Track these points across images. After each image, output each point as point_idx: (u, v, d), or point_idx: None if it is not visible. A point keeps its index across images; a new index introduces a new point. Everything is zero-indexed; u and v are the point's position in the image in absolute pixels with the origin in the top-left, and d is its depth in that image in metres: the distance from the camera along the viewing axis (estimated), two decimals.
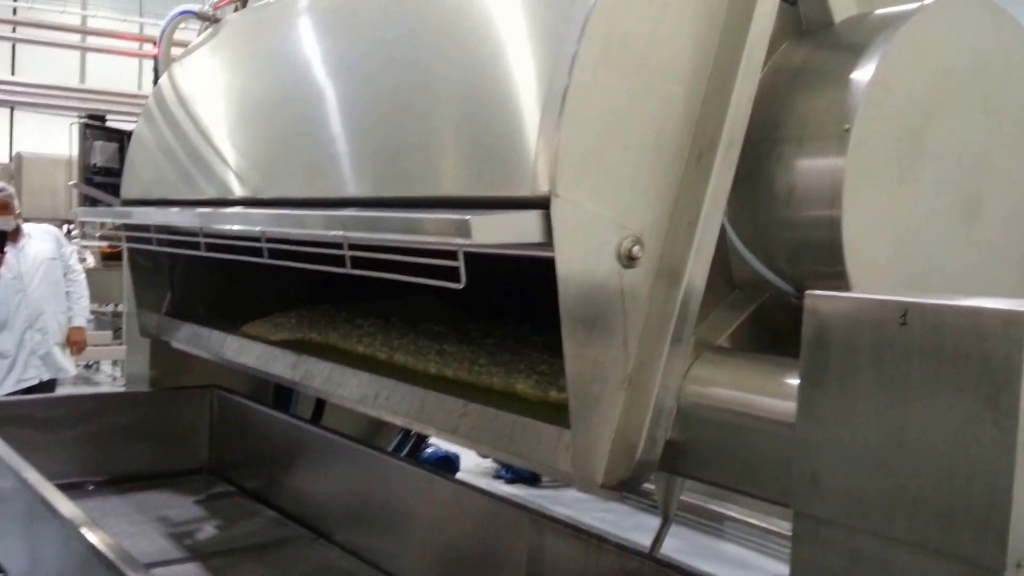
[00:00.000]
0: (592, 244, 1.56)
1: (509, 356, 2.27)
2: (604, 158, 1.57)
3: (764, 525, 5.39)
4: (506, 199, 1.60)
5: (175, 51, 3.86)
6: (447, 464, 5.80)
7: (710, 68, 1.66)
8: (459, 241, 1.48)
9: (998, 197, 1.85)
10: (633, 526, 2.10)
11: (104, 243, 7.89)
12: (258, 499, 3.77)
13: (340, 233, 1.76)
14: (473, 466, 5.71)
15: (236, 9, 3.90)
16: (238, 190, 2.58)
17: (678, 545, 1.93)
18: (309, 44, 2.67)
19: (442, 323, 2.73)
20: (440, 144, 1.81)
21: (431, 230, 1.54)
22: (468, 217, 1.44)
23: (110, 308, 10.58)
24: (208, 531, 3.41)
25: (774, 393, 1.56)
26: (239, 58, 3.15)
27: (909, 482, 1.28)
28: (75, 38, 13.58)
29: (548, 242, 1.51)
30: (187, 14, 3.77)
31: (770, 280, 1.76)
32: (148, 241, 2.89)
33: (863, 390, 1.32)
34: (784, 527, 5.39)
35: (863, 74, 1.66)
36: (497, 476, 6.75)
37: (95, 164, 4.17)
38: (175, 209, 2.69)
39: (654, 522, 3.22)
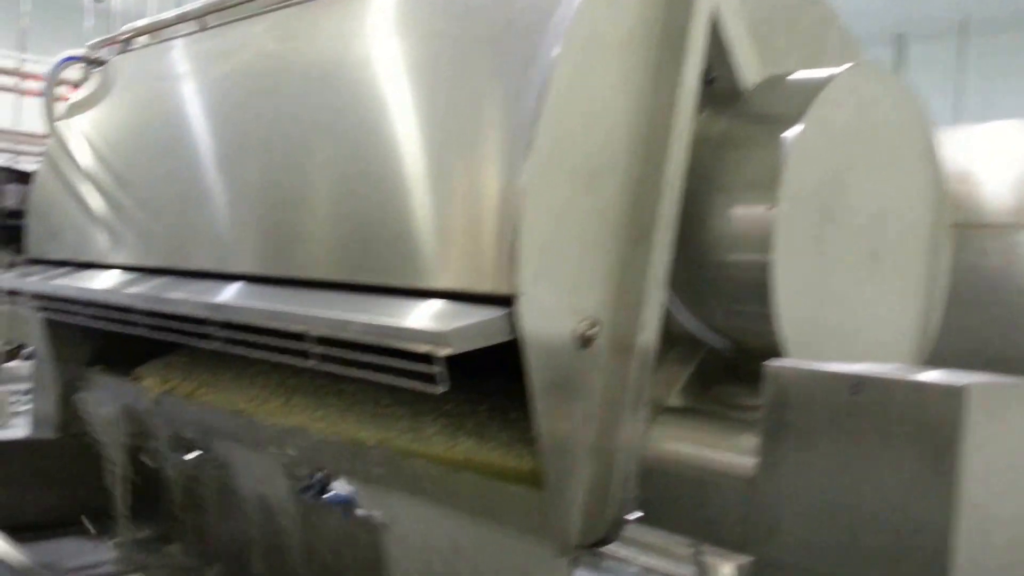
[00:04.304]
0: (554, 332, 1.69)
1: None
2: (557, 252, 1.70)
3: (644, 563, 5.70)
4: (465, 292, 1.72)
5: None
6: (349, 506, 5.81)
7: (642, 155, 1.80)
8: (437, 351, 1.59)
9: (895, 242, 2.08)
10: None
11: None
12: (171, 543, 3.79)
13: (305, 329, 1.85)
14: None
15: (121, 52, 3.86)
16: (161, 258, 2.61)
17: None
18: (224, 95, 2.69)
19: None
20: (394, 235, 1.90)
21: (406, 337, 1.65)
22: (446, 330, 1.56)
23: None
24: None
25: (728, 449, 1.73)
26: (145, 107, 3.13)
27: (861, 531, 1.45)
28: None
29: (514, 336, 1.64)
30: (72, 60, 3.73)
31: (708, 339, 1.92)
32: (75, 314, 2.89)
33: (819, 450, 1.49)
34: (663, 564, 5.72)
35: (780, 156, 1.83)
36: None
37: (8, 208, 4.09)
38: (107, 283, 2.71)
39: None
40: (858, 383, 1.46)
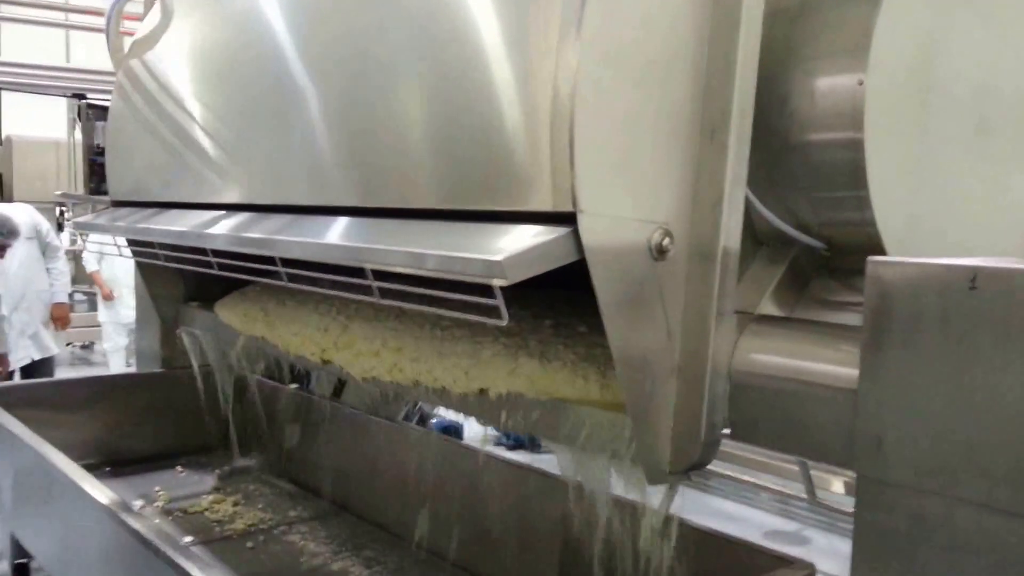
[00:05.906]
0: (623, 247, 1.53)
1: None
2: (619, 158, 1.53)
3: (750, 479, 5.70)
4: (523, 213, 1.57)
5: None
6: (453, 433, 5.84)
7: (709, 36, 1.60)
8: (494, 282, 1.45)
9: (1005, 110, 1.84)
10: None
11: None
12: (277, 475, 3.83)
13: (364, 264, 1.73)
14: (475, 433, 5.82)
15: None
16: (241, 194, 2.51)
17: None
18: (290, 23, 2.54)
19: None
20: (446, 156, 1.74)
21: (459, 269, 1.51)
22: (500, 259, 1.41)
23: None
24: (230, 509, 3.48)
25: (826, 360, 1.56)
26: (207, 34, 3.00)
27: (977, 443, 1.28)
28: (59, 16, 13.29)
29: (580, 257, 1.49)
30: None
31: (796, 237, 1.74)
32: (155, 256, 2.85)
33: (929, 354, 1.33)
34: (768, 481, 5.69)
35: (870, 17, 1.61)
36: (498, 444, 6.86)
37: (98, 144, 4.09)
38: (176, 224, 2.64)
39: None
40: (975, 275, 1.28)
